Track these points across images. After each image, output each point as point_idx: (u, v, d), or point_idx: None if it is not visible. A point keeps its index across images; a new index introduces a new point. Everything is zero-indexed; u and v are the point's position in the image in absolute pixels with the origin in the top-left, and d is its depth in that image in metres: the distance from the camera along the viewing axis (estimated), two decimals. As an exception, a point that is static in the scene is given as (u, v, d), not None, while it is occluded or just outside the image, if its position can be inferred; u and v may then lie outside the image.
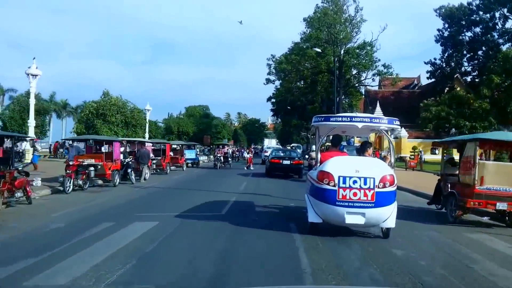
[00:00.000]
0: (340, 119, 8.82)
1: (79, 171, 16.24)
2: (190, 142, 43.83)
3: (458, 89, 50.28)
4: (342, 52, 55.91)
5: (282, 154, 28.32)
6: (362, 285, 5.67)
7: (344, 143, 25.15)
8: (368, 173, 7.74)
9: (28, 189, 12.57)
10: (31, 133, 32.41)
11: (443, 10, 54.33)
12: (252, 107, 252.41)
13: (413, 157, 36.84)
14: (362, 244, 7.90)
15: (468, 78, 56.78)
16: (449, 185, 11.36)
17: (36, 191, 14.63)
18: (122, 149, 21.20)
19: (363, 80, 61.53)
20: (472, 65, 56.23)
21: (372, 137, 24.95)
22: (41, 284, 5.43)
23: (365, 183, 7.66)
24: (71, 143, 20.90)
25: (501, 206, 9.81)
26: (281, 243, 7.85)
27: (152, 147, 28.21)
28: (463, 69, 56.82)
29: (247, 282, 5.56)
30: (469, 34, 54.63)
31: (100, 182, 18.61)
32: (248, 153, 38.80)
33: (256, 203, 13.46)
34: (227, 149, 38.98)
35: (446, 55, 55.79)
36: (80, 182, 16.14)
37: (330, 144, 11.44)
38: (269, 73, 65.48)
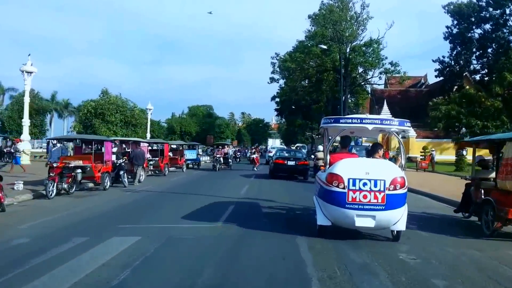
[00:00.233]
0: (350, 121, 8.56)
1: (64, 174, 14.79)
2: (191, 142, 42.48)
3: (467, 87, 48.68)
4: (348, 50, 54.37)
5: (286, 155, 26.93)
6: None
7: (351, 143, 23.76)
8: (378, 175, 7.60)
9: (0, 194, 11.12)
10: (26, 132, 31.18)
11: (451, 7, 52.85)
12: (256, 107, 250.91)
13: (424, 157, 35.21)
14: (390, 267, 6.36)
15: (477, 77, 55.04)
16: (482, 191, 9.78)
17: (17, 196, 13.37)
18: (115, 149, 19.78)
19: (370, 78, 60.11)
20: (481, 63, 54.59)
21: (379, 137, 23.74)
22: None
23: (375, 186, 7.53)
24: (55, 142, 18.95)
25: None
26: (293, 274, 6.15)
27: (150, 148, 26.77)
28: (471, 67, 55.18)
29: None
30: (478, 31, 53.15)
31: (91, 185, 17.17)
32: (254, 153, 36.54)
33: (258, 210, 12.06)
34: (227, 149, 36.34)
35: (454, 52, 54.23)
36: (65, 185, 14.70)
37: (337, 144, 11.23)
38: (273, 72, 64.36)
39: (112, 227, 9.13)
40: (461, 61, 53.97)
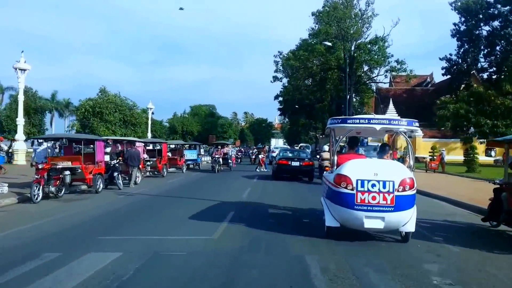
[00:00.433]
0: (358, 121, 8.42)
1: (51, 176, 13.67)
2: (192, 142, 41.32)
3: (475, 86, 47.50)
4: (353, 47, 53.13)
5: (290, 155, 25.66)
6: None
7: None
8: (387, 176, 7.54)
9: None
10: (20, 131, 30.12)
11: (458, 4, 51.63)
12: (259, 107, 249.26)
13: (433, 157, 33.97)
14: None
15: (485, 75, 53.87)
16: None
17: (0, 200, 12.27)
18: (108, 149, 18.63)
19: (375, 77, 58.85)
20: (489, 61, 53.27)
21: (385, 137, 22.74)
22: None
23: (384, 187, 7.48)
24: (41, 141, 17.50)
25: None
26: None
27: (148, 147, 25.61)
28: (479, 65, 53.94)
29: None
30: (487, 28, 51.80)
31: (84, 187, 16.06)
32: (259, 153, 34.63)
33: (260, 217, 10.80)
34: (227, 149, 33.92)
35: (462, 50, 52.93)
36: (53, 188, 13.57)
37: (343, 145, 10.88)
38: (276, 71, 63.39)
39: (93, 239, 7.98)
40: (469, 59, 52.72)
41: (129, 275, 5.69)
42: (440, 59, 54.10)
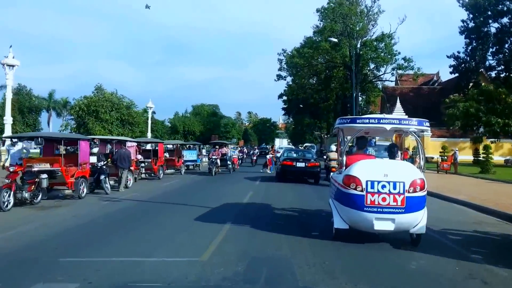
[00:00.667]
0: (368, 121, 8.23)
1: (26, 180, 12.12)
2: (192, 142, 39.73)
3: (483, 84, 46.03)
4: (359, 45, 51.50)
5: (295, 155, 24.18)
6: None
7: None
8: (397, 177, 7.39)
9: None
10: (8, 131, 28.64)
11: (466, 0, 49.79)
12: (263, 107, 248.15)
13: (444, 157, 32.33)
14: None
15: (493, 73, 52.32)
16: None
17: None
18: (95, 150, 17.07)
19: (381, 75, 57.21)
20: (497, 59, 51.64)
21: (394, 137, 21.47)
22: None
23: (394, 188, 7.33)
24: (15, 141, 15.63)
25: None
26: None
27: (143, 148, 24.05)
28: (487, 63, 52.44)
29: None
30: (495, 25, 50.23)
31: (69, 192, 14.45)
32: (268, 154, 32.61)
33: (262, 232, 8.99)
34: (226, 150, 31.11)
35: (470, 48, 51.35)
36: (27, 194, 12.03)
37: (351, 145, 10.78)
38: (280, 69, 61.72)
39: (51, 261, 6.39)
40: (477, 57, 51.15)
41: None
42: (447, 57, 52.71)
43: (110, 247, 7.56)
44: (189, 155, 31.24)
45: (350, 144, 12.38)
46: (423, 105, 52.02)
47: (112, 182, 17.27)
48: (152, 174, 23.04)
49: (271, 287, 5.53)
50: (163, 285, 5.39)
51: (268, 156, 31.02)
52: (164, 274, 5.83)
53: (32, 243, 7.72)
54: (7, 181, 11.69)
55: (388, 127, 7.93)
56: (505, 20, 49.27)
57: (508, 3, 48.15)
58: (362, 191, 7.37)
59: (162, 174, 23.35)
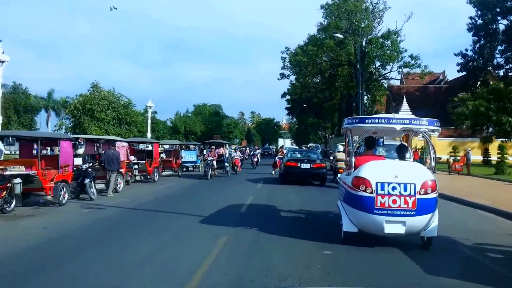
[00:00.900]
0: (377, 121, 8.01)
1: (-5, 185, 10.72)
2: (190, 142, 38.28)
3: (492, 82, 44.65)
4: (364, 42, 50.03)
5: (299, 156, 22.80)
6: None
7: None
8: (408, 178, 7.15)
9: None
10: (-1, 131, 27.15)
11: (474, -4, 48.48)
12: (266, 107, 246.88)
13: (457, 158, 30.86)
14: None
15: (501, 72, 51.04)
16: None
17: None
18: (81, 150, 15.64)
19: (387, 73, 55.78)
20: (505, 57, 50.24)
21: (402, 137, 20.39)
22: None
23: (405, 190, 7.09)
24: None
25: None
26: None
27: (137, 148, 22.62)
28: (495, 61, 51.13)
29: None
30: (504, 22, 48.84)
31: (50, 197, 12.98)
32: (277, 155, 30.76)
33: (263, 251, 7.48)
34: (223, 150, 28.06)
35: (478, 45, 49.95)
36: (-3, 202, 10.60)
37: (359, 145, 10.39)
38: (283, 67, 60.26)
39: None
40: (485, 55, 49.69)
41: None
42: (455, 54, 51.27)
43: (72, 274, 6.03)
44: (188, 156, 29.80)
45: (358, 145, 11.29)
46: (429, 104, 50.72)
47: (102, 186, 15.95)
48: (148, 177, 21.62)
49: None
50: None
51: (276, 158, 29.23)
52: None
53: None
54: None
55: (398, 127, 7.74)
56: (514, 17, 48.05)
57: (517, -1, 46.89)
58: (372, 193, 7.18)
59: (157, 177, 21.90)
